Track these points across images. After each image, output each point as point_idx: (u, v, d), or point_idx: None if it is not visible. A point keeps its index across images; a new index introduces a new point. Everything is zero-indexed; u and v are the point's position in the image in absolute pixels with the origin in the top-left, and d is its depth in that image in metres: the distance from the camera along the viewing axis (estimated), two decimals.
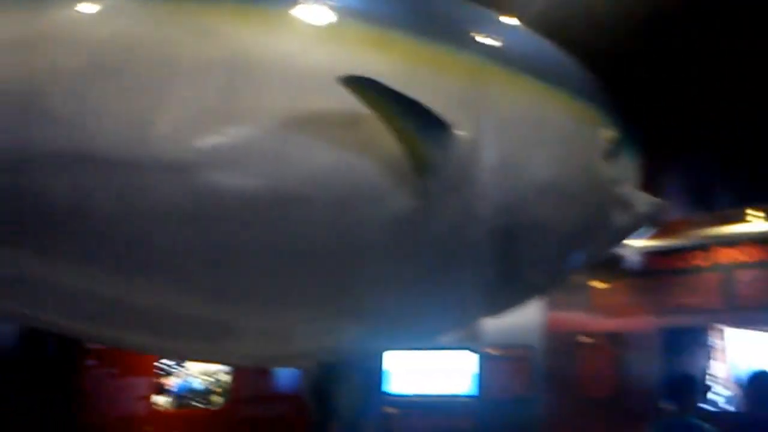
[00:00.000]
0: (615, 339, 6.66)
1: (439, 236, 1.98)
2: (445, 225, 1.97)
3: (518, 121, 2.12)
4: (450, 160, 1.90)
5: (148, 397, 6.05)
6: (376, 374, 2.71)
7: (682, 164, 5.27)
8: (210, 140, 1.71)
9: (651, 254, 6.51)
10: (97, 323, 2.06)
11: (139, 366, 5.99)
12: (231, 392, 6.30)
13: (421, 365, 6.95)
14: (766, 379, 4.82)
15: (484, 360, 6.96)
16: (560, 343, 6.90)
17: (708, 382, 5.93)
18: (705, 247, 6.26)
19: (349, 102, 1.73)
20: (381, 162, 1.81)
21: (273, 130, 1.73)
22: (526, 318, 6.88)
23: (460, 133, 1.91)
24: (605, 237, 2.57)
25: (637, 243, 6.43)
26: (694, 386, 5.08)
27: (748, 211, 5.91)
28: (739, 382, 5.01)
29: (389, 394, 6.86)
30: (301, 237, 1.81)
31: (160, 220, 1.71)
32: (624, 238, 2.74)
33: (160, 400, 6.18)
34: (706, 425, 4.86)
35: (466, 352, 6.96)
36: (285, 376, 6.22)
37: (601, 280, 6.75)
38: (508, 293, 2.36)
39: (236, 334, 2.10)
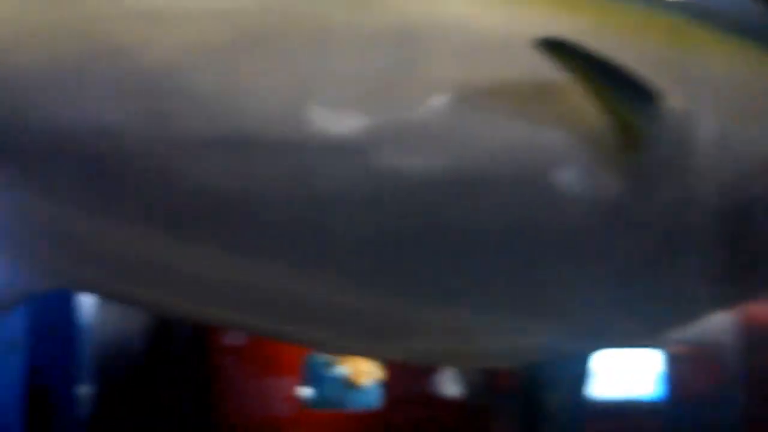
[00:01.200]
0: None
1: (652, 221, 1.74)
2: (658, 208, 1.73)
3: (732, 89, 1.85)
4: (661, 133, 1.67)
5: (292, 398, 5.64)
6: (581, 378, 2.44)
7: None
8: (384, 117, 1.57)
9: None
10: (259, 315, 1.93)
11: (283, 364, 5.60)
12: (387, 394, 5.87)
13: (604, 366, 6.66)
14: None
15: (672, 359, 6.58)
16: (756, 337, 6.44)
17: None
18: None
19: (539, 69, 1.56)
20: (581, 136, 1.61)
21: (454, 104, 1.57)
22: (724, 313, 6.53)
23: (671, 103, 1.68)
24: None
25: None
26: None
27: None
28: None
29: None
30: (491, 223, 1.64)
31: (331, 207, 1.59)
32: None
33: (306, 401, 5.74)
34: None
35: (652, 351, 6.64)
36: (443, 377, 6.07)
37: None
38: (731, 286, 2.05)
39: (416, 331, 1.92)
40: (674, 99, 1.69)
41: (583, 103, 1.59)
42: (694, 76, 1.79)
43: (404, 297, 1.77)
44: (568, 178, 1.64)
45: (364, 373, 5.92)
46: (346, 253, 1.66)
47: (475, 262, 1.70)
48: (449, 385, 6.03)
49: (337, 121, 1.56)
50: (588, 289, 1.82)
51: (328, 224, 1.60)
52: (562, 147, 1.62)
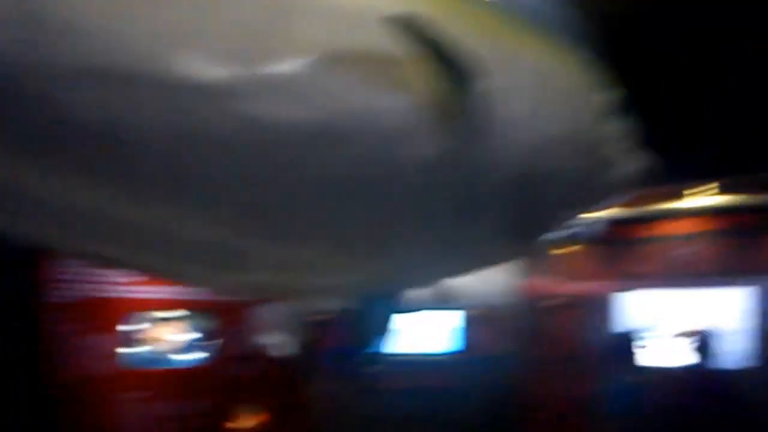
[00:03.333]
0: (584, 302, 6.93)
1: (462, 180, 2.01)
2: (467, 169, 2.00)
3: (530, 75, 2.18)
4: (474, 106, 1.94)
5: (116, 356, 5.59)
6: (387, 318, 2.77)
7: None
8: (250, 66, 1.62)
9: (613, 224, 6.76)
10: (109, 242, 1.93)
11: (108, 322, 5.57)
12: (212, 351, 5.99)
13: (406, 325, 7.07)
14: (708, 338, 5.11)
15: (467, 320, 7.14)
16: (535, 305, 7.15)
17: (656, 342, 6.24)
18: (657, 218, 6.53)
19: (388, 42, 1.74)
20: (415, 103, 1.81)
21: (315, 64, 1.67)
22: (504, 282, 7.12)
23: (483, 82, 1.94)
24: (598, 192, 2.67)
25: (601, 213, 6.70)
26: (634, 347, 5.38)
27: (697, 187, 6.18)
28: (687, 341, 5.28)
29: (377, 352, 6.98)
30: (332, 171, 1.77)
31: (192, 146, 1.61)
32: (614, 195, 2.85)
33: (132, 358, 5.69)
34: (642, 382, 5.17)
35: (450, 312, 7.11)
36: (268, 336, 6.17)
37: (568, 248, 7.00)
38: (516, 237, 2.42)
39: (254, 264, 2.03)
40: (487, 79, 1.96)
41: (419, 76, 1.80)
42: (505, 62, 2.08)
43: (247, 232, 1.86)
44: (399, 138, 1.82)
45: (184, 331, 6.02)
46: (198, 187, 1.71)
47: (312, 205, 1.82)
48: (273, 343, 6.24)
49: (207, 65, 1.59)
50: (410, 233, 2.05)
51: (184, 159, 1.64)
52: (397, 111, 1.79)
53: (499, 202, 2.16)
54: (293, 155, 1.71)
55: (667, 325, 6.32)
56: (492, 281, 7.17)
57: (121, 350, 5.65)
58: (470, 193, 2.07)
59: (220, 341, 6.08)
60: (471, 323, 7.15)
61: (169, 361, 5.93)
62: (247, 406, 5.99)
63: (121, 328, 5.69)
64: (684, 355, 5.16)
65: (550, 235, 2.81)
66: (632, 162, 2.78)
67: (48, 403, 5.33)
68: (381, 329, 2.76)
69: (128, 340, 5.72)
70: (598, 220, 6.46)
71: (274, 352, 6.22)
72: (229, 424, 5.91)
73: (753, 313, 5.93)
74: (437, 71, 1.82)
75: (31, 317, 5.37)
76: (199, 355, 6.07)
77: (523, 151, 2.14)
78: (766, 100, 5.32)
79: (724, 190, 6.14)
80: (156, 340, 5.89)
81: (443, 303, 7.07)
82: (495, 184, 2.10)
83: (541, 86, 2.23)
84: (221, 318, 6.04)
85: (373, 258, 2.15)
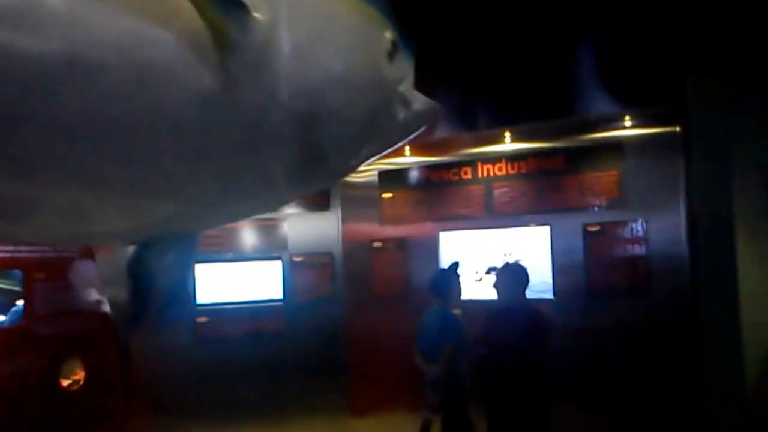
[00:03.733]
0: (401, 244, 7.20)
1: (242, 116, 1.98)
2: (246, 105, 1.97)
3: (310, 11, 2.19)
4: (249, 40, 1.92)
5: None
6: (187, 261, 2.70)
7: (449, 83, 5.73)
8: None
9: (427, 169, 7.10)
10: None
11: None
12: (25, 309, 5.64)
13: (230, 275, 7.03)
14: (512, 271, 5.50)
15: (290, 267, 7.21)
16: (356, 249, 7.34)
17: (470, 276, 6.65)
18: (470, 163, 6.86)
19: None
20: (183, 36, 1.77)
21: None
22: (326, 228, 7.29)
23: (258, 15, 1.95)
24: (389, 131, 2.72)
25: (416, 159, 7.00)
26: (454, 280, 5.69)
27: (505, 131, 6.60)
28: (496, 275, 5.62)
29: (199, 305, 6.93)
30: (98, 109, 1.69)
31: None
32: (405, 135, 2.89)
33: None
34: (457, 312, 5.52)
35: (273, 261, 7.15)
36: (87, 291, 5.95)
37: (388, 192, 7.24)
38: (307, 176, 2.43)
39: (34, 212, 1.93)
40: (259, 12, 1.97)
41: (185, 7, 1.76)
42: None
43: (21, 178, 1.75)
44: (170, 70, 1.78)
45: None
46: None
47: (85, 145, 1.74)
48: (93, 300, 6.01)
49: None
50: (187, 173, 2.01)
51: None
52: (167, 43, 1.75)
53: (282, 142, 2.15)
54: (50, 89, 1.61)
55: (479, 261, 6.70)
56: (318, 228, 7.29)
57: None
58: (249, 131, 2.04)
59: (35, 297, 5.73)
60: (297, 270, 7.24)
61: None
62: (69, 363, 5.78)
63: None
64: (494, 288, 5.49)
65: (344, 177, 2.86)
66: (421, 103, 2.85)
67: None
68: (182, 277, 2.72)
69: None
70: (417, 166, 6.80)
71: (96, 307, 5.99)
72: (52, 381, 5.68)
73: (551, 249, 6.40)
74: (206, 2, 1.79)
75: None
76: (11, 315, 5.81)
77: (304, 88, 2.13)
78: (559, 46, 5.69)
79: (524, 136, 6.58)
80: None
81: (266, 251, 7.15)
82: (275, 123, 2.08)
83: (322, 21, 2.24)
84: (34, 273, 5.71)
85: (152, 200, 2.08)
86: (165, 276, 2.40)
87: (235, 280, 7.08)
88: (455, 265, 5.79)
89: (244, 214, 2.87)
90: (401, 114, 2.70)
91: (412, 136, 2.95)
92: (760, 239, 5.49)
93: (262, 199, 2.52)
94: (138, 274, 2.39)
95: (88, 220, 2.11)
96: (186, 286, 2.80)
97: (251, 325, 7.06)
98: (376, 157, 2.89)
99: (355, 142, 2.53)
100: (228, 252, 7.10)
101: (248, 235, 7.19)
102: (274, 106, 2.06)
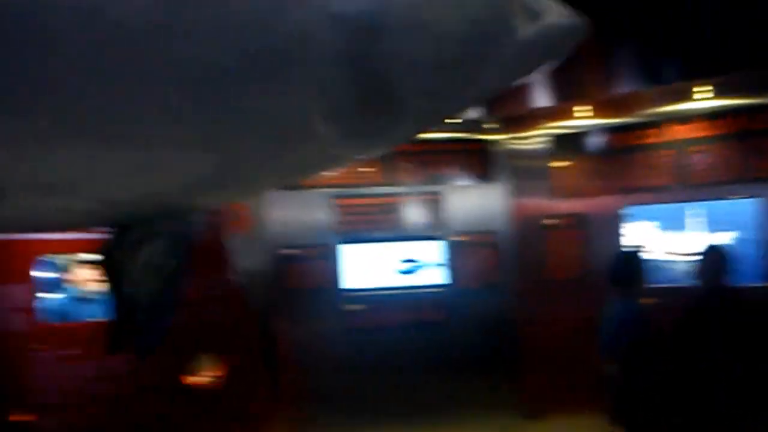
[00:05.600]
0: (578, 221, 6.40)
1: (267, 35, 1.37)
2: (288, 24, 1.37)
3: None
4: None
5: (29, 311, 4.99)
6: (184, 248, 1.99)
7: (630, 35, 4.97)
8: None
9: (608, 132, 6.24)
10: None
11: (13, 273, 4.97)
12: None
13: (386, 258, 6.63)
14: (718, 252, 4.66)
15: (452, 248, 6.62)
16: (525, 227, 6.58)
17: (659, 260, 5.77)
18: (656, 124, 5.99)
19: None
20: None
21: None
22: (492, 204, 6.60)
23: None
24: (504, 57, 1.81)
25: (593, 122, 6.18)
26: (639, 266, 4.91)
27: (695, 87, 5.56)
28: (695, 257, 4.81)
29: (351, 290, 6.49)
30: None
31: None
32: (530, 63, 2.01)
33: (42, 313, 5.05)
34: (645, 303, 4.73)
35: (434, 242, 6.60)
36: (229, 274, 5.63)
37: (562, 161, 6.54)
38: (363, 122, 1.67)
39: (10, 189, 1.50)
40: None
41: None
42: None
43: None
44: None
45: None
46: None
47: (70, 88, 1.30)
48: (236, 283, 5.78)
49: None
50: (210, 114, 1.46)
51: None
52: None
53: (325, 66, 1.48)
54: None
55: (672, 241, 5.84)
56: (483, 205, 6.70)
57: (37, 301, 5.03)
58: (295, 54, 1.43)
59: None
60: (460, 251, 6.69)
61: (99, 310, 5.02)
62: (204, 357, 5.42)
63: (35, 274, 5.05)
64: (691, 273, 4.67)
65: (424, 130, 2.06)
66: (556, 15, 1.92)
67: None
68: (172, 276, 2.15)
69: (46, 288, 5.10)
70: (594, 130, 5.98)
71: (236, 294, 5.66)
72: (186, 379, 5.36)
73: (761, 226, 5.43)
74: None
75: None
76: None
77: None
78: None
79: (725, 90, 5.55)
80: (80, 287, 5.24)
81: (430, 232, 6.65)
82: (316, 37, 1.43)
83: None
84: None
85: (182, 151, 1.54)
86: (148, 274, 1.87)
87: (389, 263, 6.64)
88: (638, 247, 4.98)
89: (277, 176, 2.13)
90: (524, 30, 1.82)
91: (540, 66, 2.09)
92: None
93: (301, 152, 1.78)
94: (114, 269, 1.86)
95: (71, 196, 1.62)
96: (173, 290, 2.08)
97: (410, 312, 6.58)
98: (483, 98, 2.09)
99: (443, 73, 1.68)
100: (381, 231, 6.59)
101: (403, 212, 6.67)
102: (325, 24, 1.43)
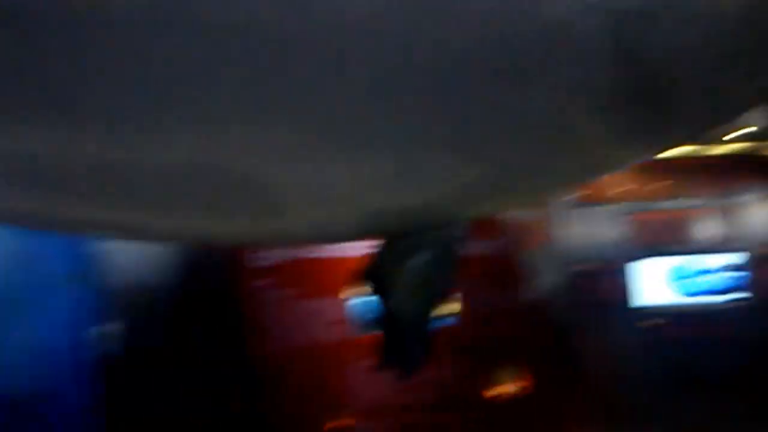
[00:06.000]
0: None
1: (537, 27, 1.21)
2: (546, 12, 1.19)
3: None
4: None
5: (340, 322, 5.06)
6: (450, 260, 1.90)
7: None
8: None
9: None
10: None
11: (325, 284, 5.05)
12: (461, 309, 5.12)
13: (686, 270, 6.42)
14: None
15: (750, 262, 6.30)
16: None
17: None
18: None
19: None
20: None
21: None
22: None
23: None
24: None
25: None
26: None
27: None
28: None
29: (645, 307, 6.34)
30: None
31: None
32: None
33: (356, 325, 5.04)
34: None
35: (731, 255, 6.34)
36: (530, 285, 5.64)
37: None
38: (652, 120, 1.47)
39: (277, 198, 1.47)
40: None
41: None
42: None
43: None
44: None
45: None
46: None
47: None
48: (537, 294, 5.77)
49: None
50: (468, 120, 1.39)
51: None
52: None
53: (591, 67, 1.30)
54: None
55: None
56: None
57: (344, 315, 5.10)
58: (553, 46, 1.25)
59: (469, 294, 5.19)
60: (757, 265, 6.29)
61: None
62: (506, 369, 5.42)
63: (342, 290, 5.10)
64: None
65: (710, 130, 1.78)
66: None
67: (257, 381, 5.03)
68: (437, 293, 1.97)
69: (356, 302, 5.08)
70: None
71: (537, 306, 5.68)
72: (488, 392, 5.37)
73: None
74: None
75: (230, 285, 5.01)
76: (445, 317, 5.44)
77: None
78: None
79: None
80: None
81: (723, 245, 6.33)
82: (599, 33, 1.24)
83: None
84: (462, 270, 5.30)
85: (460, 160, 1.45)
86: (415, 287, 1.79)
87: (684, 278, 6.38)
88: None
89: (547, 183, 1.89)
90: None
91: None
92: None
93: (570, 156, 1.61)
94: (382, 282, 1.81)
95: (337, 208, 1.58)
96: (436, 303, 1.97)
97: (704, 327, 6.27)
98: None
99: (722, 66, 1.40)
100: (675, 245, 6.40)
101: (698, 226, 6.44)
102: (590, 12, 1.23)
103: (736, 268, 6.30)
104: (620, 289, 6.32)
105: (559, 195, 4.72)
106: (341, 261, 5.03)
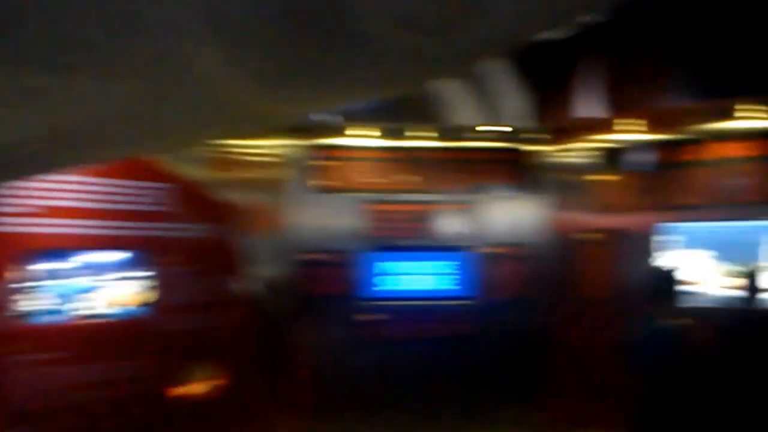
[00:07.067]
0: (614, 236, 6.18)
1: None
2: None
3: None
4: None
5: (10, 308, 3.97)
6: None
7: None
8: None
9: (650, 148, 6.03)
10: None
11: None
12: (153, 301, 4.58)
13: (415, 268, 6.43)
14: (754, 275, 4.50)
15: (484, 260, 6.48)
16: (561, 241, 6.42)
17: (692, 280, 5.52)
18: (697, 141, 5.71)
19: None
20: None
21: None
22: (527, 216, 6.47)
23: None
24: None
25: (637, 137, 5.95)
26: (671, 286, 4.75)
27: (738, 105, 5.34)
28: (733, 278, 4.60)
29: (379, 298, 6.41)
30: None
31: None
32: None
33: (34, 312, 4.12)
34: (676, 324, 4.56)
35: (465, 253, 6.47)
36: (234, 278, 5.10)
37: (601, 177, 6.35)
38: (323, 58, 1.36)
39: None
40: None
41: None
42: None
43: None
44: None
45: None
46: None
47: None
48: (244, 288, 5.65)
49: None
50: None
51: None
52: None
53: None
54: None
55: (711, 261, 5.58)
56: (514, 216, 6.55)
57: (15, 301, 4.04)
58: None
59: (161, 285, 4.61)
60: (492, 263, 6.51)
61: (88, 313, 4.33)
62: (199, 366, 4.81)
63: (13, 272, 4.05)
64: (731, 294, 4.47)
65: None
66: None
67: None
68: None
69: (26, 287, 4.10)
70: (635, 146, 5.76)
71: (244, 299, 5.23)
72: (175, 390, 4.69)
73: None
74: None
75: None
76: (132, 306, 4.51)
77: None
78: None
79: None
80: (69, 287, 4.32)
81: (456, 243, 6.52)
82: None
83: None
84: (160, 255, 4.54)
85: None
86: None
87: (416, 273, 6.52)
88: (673, 265, 4.79)
89: (178, 126, 1.85)
90: None
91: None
92: None
93: (190, 95, 1.51)
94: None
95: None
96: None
97: (437, 323, 6.45)
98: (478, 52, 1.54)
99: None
100: (411, 239, 6.47)
101: (435, 221, 6.55)
102: None
103: (473, 265, 6.50)
104: (346, 281, 6.35)
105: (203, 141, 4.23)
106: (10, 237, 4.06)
